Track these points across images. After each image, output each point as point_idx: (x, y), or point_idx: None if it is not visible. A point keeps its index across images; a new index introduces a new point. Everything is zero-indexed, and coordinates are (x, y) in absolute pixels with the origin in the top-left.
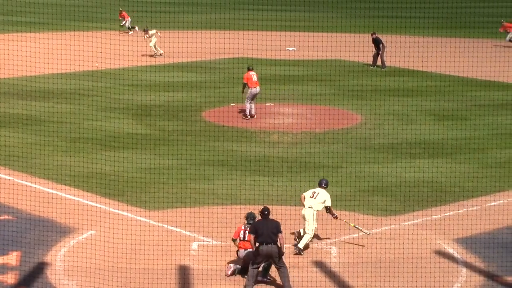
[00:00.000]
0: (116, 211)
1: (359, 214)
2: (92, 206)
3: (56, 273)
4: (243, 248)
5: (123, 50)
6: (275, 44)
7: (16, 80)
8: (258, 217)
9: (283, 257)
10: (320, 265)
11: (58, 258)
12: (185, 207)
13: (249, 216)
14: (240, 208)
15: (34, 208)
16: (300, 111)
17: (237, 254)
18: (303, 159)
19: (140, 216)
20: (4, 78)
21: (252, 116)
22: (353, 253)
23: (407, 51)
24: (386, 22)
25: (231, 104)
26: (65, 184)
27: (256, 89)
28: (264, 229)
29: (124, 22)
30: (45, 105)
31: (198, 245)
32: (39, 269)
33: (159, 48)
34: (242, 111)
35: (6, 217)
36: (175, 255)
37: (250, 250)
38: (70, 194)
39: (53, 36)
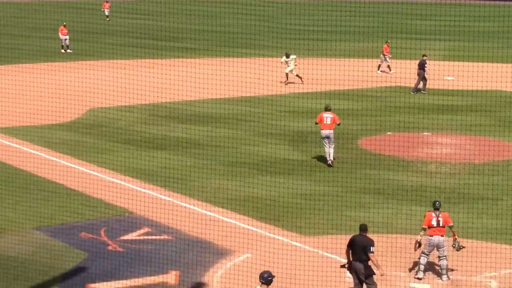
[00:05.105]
0: (272, 235)
1: None
2: (248, 229)
3: None
4: (434, 234)
5: (278, 77)
6: (433, 73)
7: (177, 104)
8: None
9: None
10: None
11: (215, 279)
12: (341, 234)
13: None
14: (396, 237)
15: (192, 229)
16: (459, 142)
17: (418, 246)
18: (461, 190)
19: (296, 241)
20: (165, 102)
21: (329, 165)
22: None
23: None
24: None
25: (388, 133)
26: (222, 207)
27: (324, 132)
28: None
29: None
30: (204, 129)
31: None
32: None
33: (295, 73)
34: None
35: (166, 237)
36: (331, 281)
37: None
38: (226, 217)
39: (211, 62)
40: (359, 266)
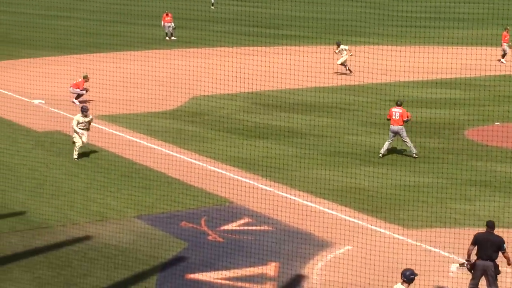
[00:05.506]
0: (373, 227)
1: None
2: (349, 221)
3: (313, 287)
4: None
5: (383, 65)
6: None
7: (280, 93)
8: None
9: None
10: None
11: (315, 271)
12: (445, 227)
13: None
14: (503, 232)
15: (292, 220)
16: None
17: None
18: None
19: (397, 234)
20: (268, 91)
21: (379, 156)
22: None
23: None
24: None
25: (496, 123)
26: (323, 198)
27: (393, 128)
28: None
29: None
30: (306, 118)
31: (457, 267)
32: (296, 281)
33: (344, 65)
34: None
35: (266, 227)
36: (433, 276)
37: None
38: (327, 208)
39: (315, 49)
40: (488, 264)
